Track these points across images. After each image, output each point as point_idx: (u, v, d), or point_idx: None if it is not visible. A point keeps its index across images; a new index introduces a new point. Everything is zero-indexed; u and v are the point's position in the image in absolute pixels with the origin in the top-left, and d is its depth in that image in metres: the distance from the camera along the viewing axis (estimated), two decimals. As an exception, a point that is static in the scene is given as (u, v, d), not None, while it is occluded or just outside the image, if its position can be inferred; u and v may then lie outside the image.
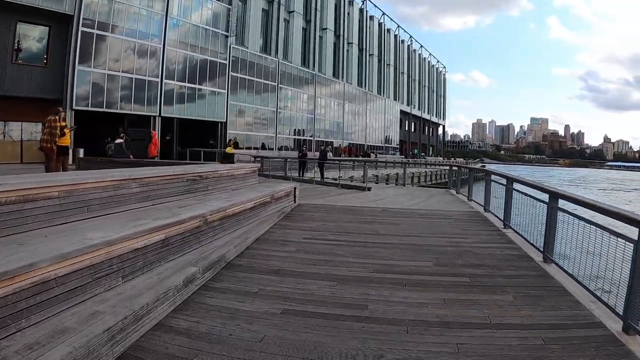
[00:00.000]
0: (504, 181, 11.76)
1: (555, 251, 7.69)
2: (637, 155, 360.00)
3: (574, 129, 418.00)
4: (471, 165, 65.33)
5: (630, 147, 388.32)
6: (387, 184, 37.33)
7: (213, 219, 7.88)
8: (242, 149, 48.08)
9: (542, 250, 8.05)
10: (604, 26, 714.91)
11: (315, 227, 10.66)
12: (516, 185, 10.50)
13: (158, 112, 40.76)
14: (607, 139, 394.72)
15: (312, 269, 7.17)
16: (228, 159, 13.26)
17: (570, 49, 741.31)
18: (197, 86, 45.16)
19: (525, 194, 9.63)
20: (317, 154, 39.44)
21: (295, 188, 13.78)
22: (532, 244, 8.80)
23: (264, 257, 7.76)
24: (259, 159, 30.68)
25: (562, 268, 7.19)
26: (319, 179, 25.57)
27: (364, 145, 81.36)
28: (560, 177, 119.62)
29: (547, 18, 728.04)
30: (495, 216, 12.41)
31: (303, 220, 11.56)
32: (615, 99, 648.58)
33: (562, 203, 7.55)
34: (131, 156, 22.23)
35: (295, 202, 13.69)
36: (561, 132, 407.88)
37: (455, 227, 11.34)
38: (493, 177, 13.56)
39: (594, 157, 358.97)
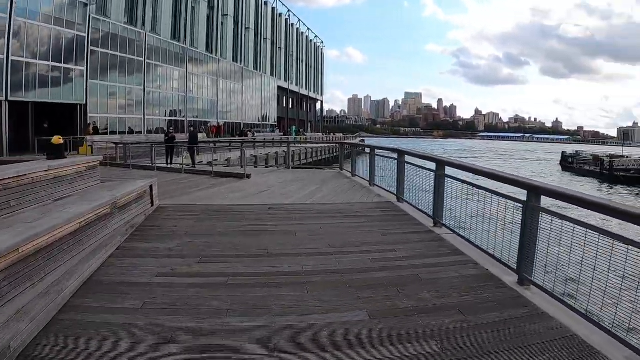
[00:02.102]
0: (425, 163, 9.91)
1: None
2: (506, 126, 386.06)
3: (447, 103, 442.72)
4: (352, 141, 65.46)
5: (500, 118, 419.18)
6: (267, 166, 34.03)
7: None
8: (106, 134, 42.66)
9: (513, 267, 6.13)
10: (476, 6, 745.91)
11: (176, 249, 7.13)
12: (448, 170, 8.68)
13: (4, 95, 33.82)
14: (478, 112, 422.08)
15: (166, 353, 3.94)
16: (55, 152, 9.38)
17: (443, 26, 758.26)
18: (50, 64, 38.12)
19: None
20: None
21: (151, 186, 10.11)
22: (477, 246, 7.11)
23: (82, 336, 4.21)
24: (121, 145, 26.20)
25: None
26: (189, 166, 21.57)
27: (240, 124, 77.03)
28: (448, 148, 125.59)
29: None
30: (414, 207, 10.28)
31: (160, 236, 7.94)
32: (486, 74, 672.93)
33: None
34: None
35: (153, 204, 10.10)
36: (435, 106, 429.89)
37: (372, 231, 8.48)
38: (407, 157, 11.25)
39: (467, 129, 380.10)
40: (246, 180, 16.37)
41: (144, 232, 8.20)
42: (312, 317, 4.66)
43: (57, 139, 9.78)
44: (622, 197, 43.61)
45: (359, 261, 6.52)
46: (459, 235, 7.75)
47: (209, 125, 65.54)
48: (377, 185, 14.03)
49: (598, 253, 4.36)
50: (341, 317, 4.68)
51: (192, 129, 28.15)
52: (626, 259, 4.08)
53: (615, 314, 4.24)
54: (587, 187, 50.30)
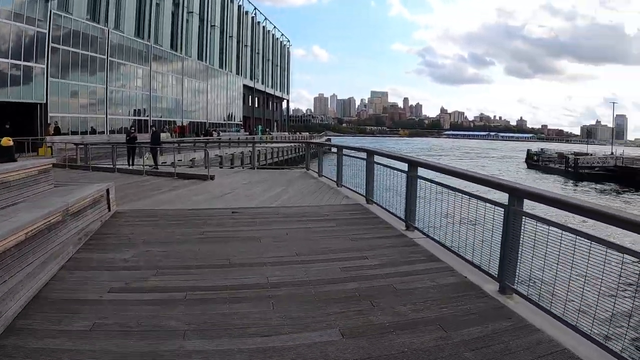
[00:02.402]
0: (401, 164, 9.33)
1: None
2: (472, 124, 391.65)
3: (412, 102, 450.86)
4: (318, 140, 65.01)
5: (466, 117, 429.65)
6: (232, 166, 33.36)
7: None
8: (68, 134, 40.95)
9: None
10: (442, 6, 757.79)
11: (132, 260, 6.49)
12: (421, 171, 8.29)
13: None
14: (444, 111, 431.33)
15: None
16: (5, 154, 8.76)
17: (409, 26, 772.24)
18: (10, 61, 36.62)
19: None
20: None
21: (108, 190, 9.40)
22: (446, 247, 6.98)
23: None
24: (82, 146, 24.94)
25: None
26: (151, 168, 20.66)
27: (205, 123, 75.86)
28: (415, 146, 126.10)
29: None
30: (384, 209, 9.92)
31: (116, 245, 7.27)
32: (451, 74, 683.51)
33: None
34: None
35: (109, 209, 9.37)
36: (401, 105, 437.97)
37: (341, 236, 7.99)
38: (377, 157, 10.88)
39: (432, 128, 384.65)
40: (210, 182, 15.71)
41: (99, 240, 7.54)
42: (279, 338, 4.15)
43: (6, 141, 9.18)
44: (587, 194, 44.18)
45: (329, 270, 6.04)
46: (433, 239, 7.37)
47: (172, 125, 63.83)
48: (344, 186, 13.58)
49: (589, 261, 4.04)
50: (311, 337, 4.18)
51: (154, 128, 27.19)
52: (621, 267, 3.77)
53: (609, 326, 4.02)
54: (553, 185, 51.19)
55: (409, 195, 8.27)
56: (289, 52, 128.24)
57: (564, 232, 4.34)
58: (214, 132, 66.18)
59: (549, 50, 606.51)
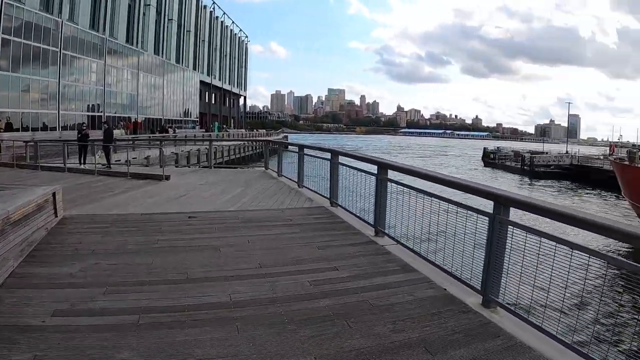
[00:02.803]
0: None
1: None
2: (428, 122, 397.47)
3: (369, 99, 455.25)
4: (276, 138, 64.08)
5: (422, 115, 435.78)
6: (188, 164, 32.55)
7: None
8: (18, 130, 39.14)
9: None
10: (400, 5, 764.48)
11: (79, 275, 5.76)
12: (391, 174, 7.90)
13: None
14: (400, 109, 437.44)
15: None
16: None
17: (368, 24, 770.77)
18: None
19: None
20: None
21: (55, 193, 8.57)
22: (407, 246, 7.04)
23: None
24: (32, 144, 23.46)
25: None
26: (104, 167, 19.61)
27: (161, 119, 73.64)
28: (377, 144, 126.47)
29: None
30: (350, 213, 9.49)
31: (62, 257, 6.49)
32: (408, 72, 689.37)
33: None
34: None
35: (56, 215, 8.56)
36: (357, 102, 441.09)
37: (307, 244, 7.47)
38: (342, 158, 10.45)
39: (389, 125, 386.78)
40: (165, 183, 14.92)
41: (44, 251, 6.74)
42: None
43: None
44: (543, 192, 44.69)
45: (297, 285, 5.51)
46: (405, 246, 6.96)
47: (125, 121, 61.77)
48: (305, 187, 13.10)
49: (584, 274, 3.82)
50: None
51: (106, 125, 25.57)
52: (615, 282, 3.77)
53: (608, 348, 3.84)
54: (509, 182, 51.99)
55: (379, 199, 7.85)
56: (246, 48, 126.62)
57: (557, 245, 4.02)
58: (169, 128, 64.69)
59: (505, 50, 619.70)
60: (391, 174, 7.74)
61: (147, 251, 6.82)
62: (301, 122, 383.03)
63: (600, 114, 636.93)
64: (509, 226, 4.74)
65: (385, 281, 5.75)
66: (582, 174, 54.70)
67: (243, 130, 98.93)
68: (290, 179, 14.94)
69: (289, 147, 16.69)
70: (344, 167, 9.94)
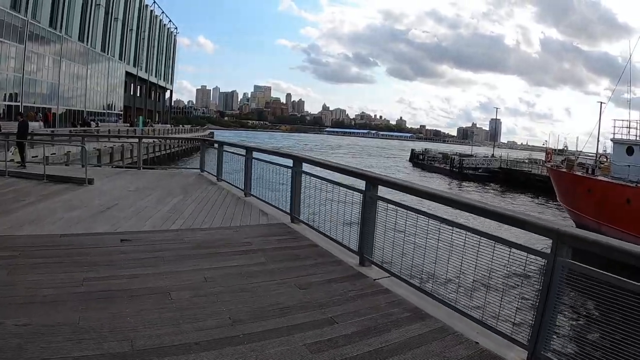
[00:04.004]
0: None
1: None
2: (353, 122, 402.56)
3: (295, 98, 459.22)
4: (201, 134, 61.37)
5: (347, 115, 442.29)
6: (112, 163, 29.89)
7: None
8: None
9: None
10: (330, 5, 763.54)
11: None
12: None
13: None
14: (325, 108, 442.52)
15: None
16: None
17: (297, 22, 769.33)
18: None
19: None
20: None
21: None
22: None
23: None
24: None
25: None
26: (18, 166, 16.52)
27: (83, 112, 68.47)
28: (302, 141, 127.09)
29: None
30: (320, 233, 7.95)
31: None
32: (335, 72, 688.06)
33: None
34: None
35: None
36: (283, 100, 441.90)
37: (283, 281, 5.84)
38: (306, 166, 9.06)
39: (314, 124, 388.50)
40: (88, 188, 12.57)
41: None
42: None
43: None
44: (476, 194, 45.03)
45: (293, 354, 3.92)
46: (404, 280, 5.71)
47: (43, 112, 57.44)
48: (254, 196, 11.45)
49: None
50: None
51: (20, 117, 22.03)
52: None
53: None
54: (440, 184, 51.93)
55: (366, 220, 6.46)
56: (175, 40, 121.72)
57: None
58: (92, 122, 60.74)
59: (431, 54, 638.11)
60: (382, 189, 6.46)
61: (71, 300, 4.79)
62: (226, 118, 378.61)
63: (520, 118, 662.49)
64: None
65: (402, 336, 4.40)
66: (510, 178, 55.95)
67: (168, 125, 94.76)
68: (233, 185, 13.30)
69: (234, 148, 14.54)
70: (310, 177, 8.43)
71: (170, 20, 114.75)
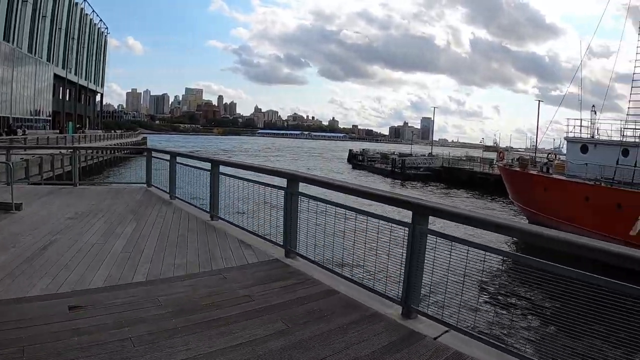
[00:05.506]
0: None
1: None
2: (285, 123, 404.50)
3: (227, 100, 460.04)
4: (134, 139, 57.35)
5: (279, 116, 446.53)
6: (41, 175, 26.23)
7: None
8: None
9: None
10: (262, 6, 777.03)
11: None
12: None
13: None
14: (258, 109, 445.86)
15: None
16: None
17: (228, 23, 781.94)
18: None
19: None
20: None
21: None
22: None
23: None
24: None
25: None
26: None
27: (8, 118, 63.48)
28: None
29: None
30: (328, 271, 6.32)
31: None
32: (266, 73, 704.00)
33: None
34: None
35: None
36: (215, 103, 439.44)
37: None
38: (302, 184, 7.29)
39: (246, 126, 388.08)
40: (15, 216, 9.89)
41: None
42: None
43: None
44: (422, 194, 44.19)
45: None
46: (481, 340, 4.46)
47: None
48: (225, 220, 9.51)
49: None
50: None
51: None
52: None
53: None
54: (383, 185, 51.74)
55: (414, 260, 4.98)
56: (105, 41, 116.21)
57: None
58: (18, 129, 56.01)
59: (363, 55, 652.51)
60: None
61: None
62: (157, 122, 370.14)
63: (450, 117, 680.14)
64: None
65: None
66: (452, 176, 56.31)
67: (100, 131, 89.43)
68: (192, 205, 11.22)
69: (193, 161, 11.96)
70: (309, 199, 6.71)
71: (100, 20, 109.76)
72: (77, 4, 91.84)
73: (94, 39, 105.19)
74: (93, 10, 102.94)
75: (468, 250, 4.39)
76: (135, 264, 6.80)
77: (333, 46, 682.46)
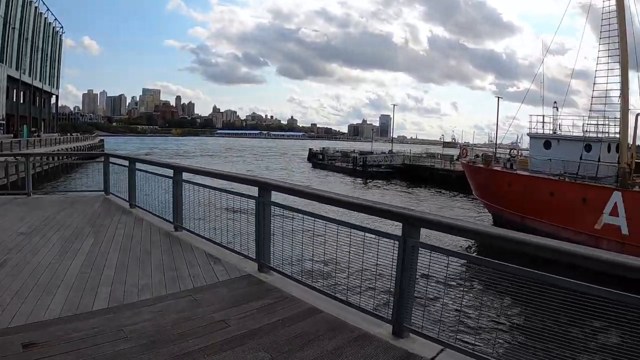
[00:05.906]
0: None
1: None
2: (244, 123, 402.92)
3: (185, 100, 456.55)
4: (91, 142, 56.05)
5: (238, 116, 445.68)
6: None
7: None
8: None
9: None
10: (219, 4, 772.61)
11: None
12: None
13: None
14: (216, 109, 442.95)
15: None
16: None
17: (185, 22, 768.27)
18: None
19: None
20: None
21: None
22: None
23: None
24: None
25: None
26: None
27: None
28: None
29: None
30: (308, 287, 5.93)
31: None
32: (224, 73, 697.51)
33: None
34: None
35: None
36: (173, 103, 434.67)
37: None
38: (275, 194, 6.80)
39: (205, 126, 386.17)
40: None
41: None
42: None
43: None
44: (388, 193, 44.20)
45: None
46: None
47: None
48: (189, 231, 8.92)
49: None
50: None
51: None
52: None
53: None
54: (344, 184, 52.25)
55: (404, 274, 4.63)
56: (61, 41, 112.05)
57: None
58: None
59: (321, 53, 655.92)
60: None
61: None
62: (115, 123, 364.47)
63: (408, 114, 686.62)
64: None
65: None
66: (414, 173, 56.52)
67: (56, 134, 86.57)
68: (153, 215, 10.60)
69: (154, 167, 11.26)
70: (282, 209, 6.39)
71: (55, 19, 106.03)
72: (31, 2, 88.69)
73: (48, 38, 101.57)
74: (48, 9, 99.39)
75: (464, 263, 4.23)
76: (95, 287, 6.16)
77: (292, 45, 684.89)
